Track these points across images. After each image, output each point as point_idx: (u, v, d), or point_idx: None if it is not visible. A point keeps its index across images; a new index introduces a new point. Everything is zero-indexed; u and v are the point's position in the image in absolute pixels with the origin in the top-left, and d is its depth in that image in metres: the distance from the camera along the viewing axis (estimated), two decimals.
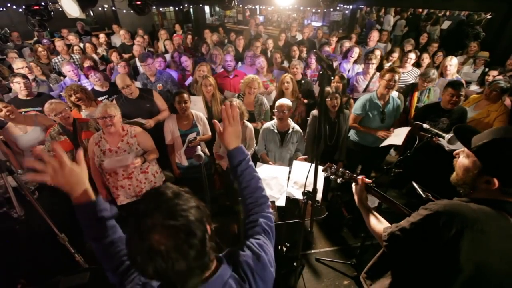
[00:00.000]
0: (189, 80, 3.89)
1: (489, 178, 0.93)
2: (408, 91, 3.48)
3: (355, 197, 1.46)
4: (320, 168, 1.59)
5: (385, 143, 2.80)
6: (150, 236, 0.66)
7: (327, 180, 2.02)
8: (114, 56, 4.56)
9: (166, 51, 5.13)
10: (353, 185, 1.52)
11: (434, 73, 3.20)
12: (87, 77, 3.62)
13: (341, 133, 2.95)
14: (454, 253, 0.87)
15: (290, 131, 2.72)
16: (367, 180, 1.49)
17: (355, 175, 1.53)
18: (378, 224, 1.23)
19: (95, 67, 3.63)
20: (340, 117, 2.89)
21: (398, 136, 2.76)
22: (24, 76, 3.02)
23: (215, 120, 1.14)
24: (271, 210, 1.08)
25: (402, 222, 1.06)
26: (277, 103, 2.66)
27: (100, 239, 0.95)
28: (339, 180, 1.57)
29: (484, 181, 0.95)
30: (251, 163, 1.11)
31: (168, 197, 0.72)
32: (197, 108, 3.09)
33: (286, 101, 2.63)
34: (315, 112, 2.97)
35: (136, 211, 0.71)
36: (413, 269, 1.03)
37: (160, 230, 0.66)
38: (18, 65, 3.45)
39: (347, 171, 1.57)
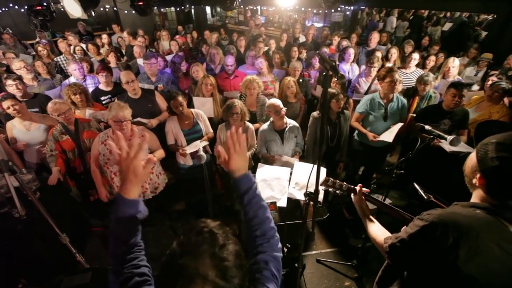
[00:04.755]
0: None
1: (478, 174, 0.94)
2: (409, 95, 3.41)
3: (356, 208, 1.48)
4: (322, 170, 1.58)
5: (380, 138, 2.80)
6: (195, 286, 0.63)
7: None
8: (111, 56, 4.35)
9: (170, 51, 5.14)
10: (352, 195, 1.53)
11: (428, 75, 3.16)
12: (97, 73, 3.50)
13: (342, 133, 2.95)
14: (455, 261, 0.88)
15: (287, 128, 2.73)
16: (364, 189, 1.50)
17: (352, 186, 1.54)
18: (379, 234, 1.24)
19: (109, 68, 3.53)
20: (340, 118, 2.89)
21: (391, 133, 2.75)
22: (16, 78, 2.95)
23: (220, 148, 1.08)
24: (280, 245, 1.00)
25: (400, 232, 1.07)
26: (270, 105, 2.61)
27: (125, 242, 0.91)
28: (338, 192, 1.58)
29: (475, 179, 0.97)
30: (258, 191, 1.05)
31: (220, 244, 0.70)
32: (205, 109, 3.06)
33: (277, 101, 2.62)
34: (315, 113, 2.96)
35: (185, 244, 0.70)
36: (419, 278, 1.03)
37: (207, 285, 0.64)
38: (16, 65, 3.45)
39: (344, 183, 1.58)
